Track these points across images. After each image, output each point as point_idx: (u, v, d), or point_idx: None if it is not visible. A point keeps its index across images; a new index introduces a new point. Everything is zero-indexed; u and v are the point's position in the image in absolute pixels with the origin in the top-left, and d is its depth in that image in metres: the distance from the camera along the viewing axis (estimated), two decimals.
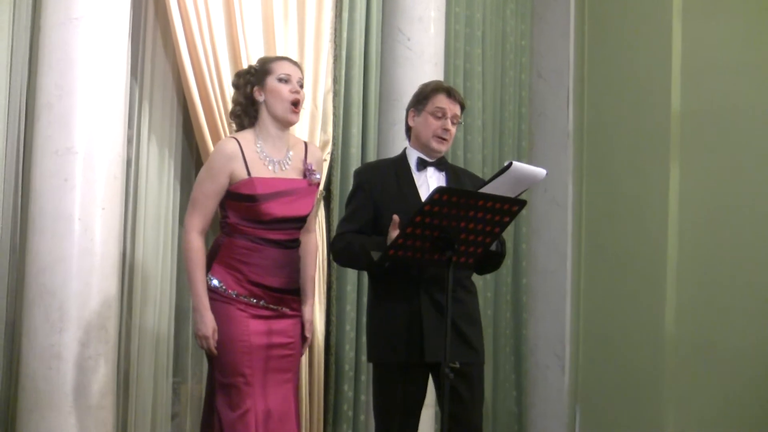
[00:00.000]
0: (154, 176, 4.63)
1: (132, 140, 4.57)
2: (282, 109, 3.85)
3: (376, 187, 3.96)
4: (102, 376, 4.14)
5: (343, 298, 5.20)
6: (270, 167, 3.83)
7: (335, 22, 5.21)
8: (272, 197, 3.79)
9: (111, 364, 4.21)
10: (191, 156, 4.81)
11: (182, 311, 4.75)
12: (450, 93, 4.04)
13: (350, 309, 5.21)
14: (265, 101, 3.86)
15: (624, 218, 6.13)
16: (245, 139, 3.82)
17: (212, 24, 4.60)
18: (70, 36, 4.12)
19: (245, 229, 3.79)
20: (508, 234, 6.19)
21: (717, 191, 6.10)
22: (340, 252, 3.99)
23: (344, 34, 5.26)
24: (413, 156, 4.04)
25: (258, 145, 3.83)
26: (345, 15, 5.26)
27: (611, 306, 6.18)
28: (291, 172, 3.88)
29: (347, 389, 5.19)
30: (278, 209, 3.80)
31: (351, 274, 5.19)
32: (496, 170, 6.04)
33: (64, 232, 4.07)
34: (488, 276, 6.05)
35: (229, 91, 4.62)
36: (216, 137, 4.58)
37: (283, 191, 3.82)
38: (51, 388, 4.04)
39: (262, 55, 4.76)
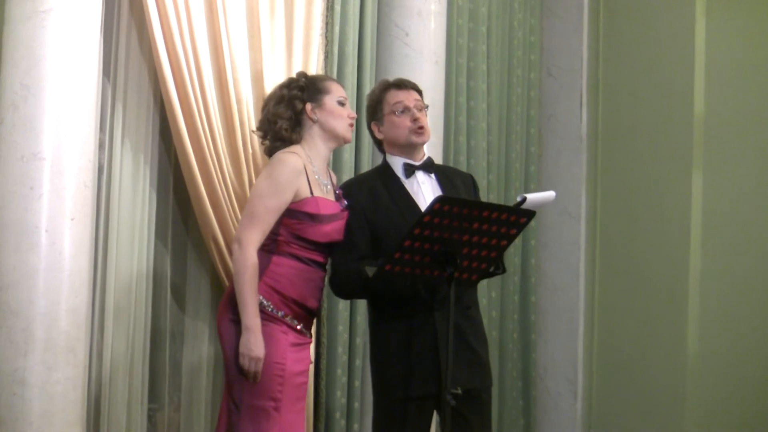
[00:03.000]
0: (128, 184, 4.62)
1: (104, 145, 4.57)
2: (342, 126, 4.04)
3: (367, 205, 3.97)
4: (70, 402, 4.12)
5: (335, 318, 5.20)
6: (323, 188, 3.98)
7: (326, 16, 5.21)
8: (329, 219, 3.93)
9: (80, 389, 4.20)
10: (169, 162, 4.81)
11: (158, 332, 4.74)
12: (399, 84, 4.08)
13: (342, 330, 5.21)
14: (320, 120, 4.00)
15: (642, 231, 6.15)
16: (303, 156, 3.96)
17: (192, 18, 4.60)
18: (37, 30, 4.11)
19: (295, 249, 3.91)
20: (515, 248, 6.23)
21: (743, 201, 6.13)
22: (342, 284, 4.00)
23: (336, 29, 5.27)
24: (397, 163, 4.05)
25: (313, 165, 3.97)
26: (337, 8, 5.26)
27: (628, 326, 6.19)
28: (331, 195, 4.03)
29: (339, 417, 5.19)
30: (333, 232, 3.95)
31: None
32: (502, 179, 6.14)
33: (29, 245, 4.06)
34: (494, 293, 6.06)
35: (211, 92, 4.64)
36: (196, 142, 4.59)
37: (335, 214, 3.96)
38: (15, 417, 4.02)
39: (246, 51, 4.78)
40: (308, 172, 3.91)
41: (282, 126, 4.00)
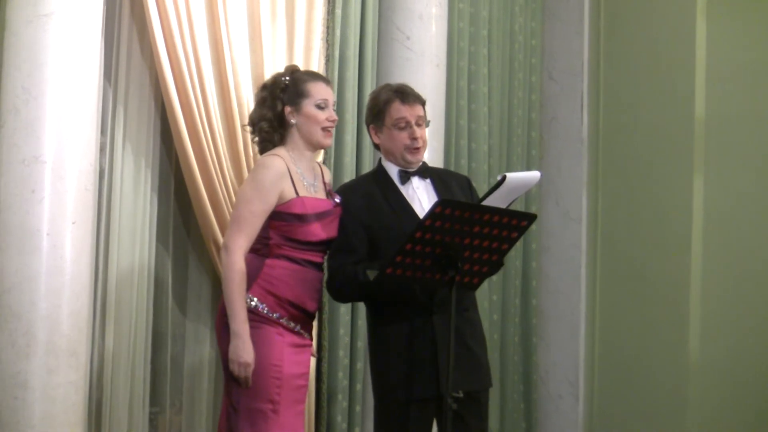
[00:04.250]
0: (129, 188, 4.64)
1: (105, 148, 4.58)
2: (318, 135, 4.01)
3: (363, 209, 3.97)
4: (72, 405, 4.13)
5: (336, 321, 5.21)
6: (309, 188, 3.97)
7: (327, 19, 5.22)
8: (318, 218, 3.93)
9: (82, 392, 4.22)
10: (170, 166, 4.82)
11: (159, 335, 4.75)
12: (404, 97, 4.04)
13: (344, 333, 5.21)
14: (297, 124, 4.00)
15: (643, 233, 6.14)
16: (286, 158, 3.95)
17: (193, 21, 4.61)
18: (39, 34, 4.13)
19: (288, 251, 3.91)
20: (516, 251, 6.22)
21: (744, 204, 6.12)
22: (341, 288, 3.99)
23: (337, 32, 5.27)
24: (392, 169, 4.06)
25: (297, 166, 3.96)
26: (338, 11, 5.27)
27: (630, 329, 6.18)
28: (321, 193, 4.03)
29: (341, 420, 5.19)
30: (323, 230, 3.94)
31: None
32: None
33: (31, 248, 4.07)
34: (495, 297, 6.06)
35: (212, 95, 4.65)
36: (197, 146, 4.60)
37: (324, 212, 3.96)
38: (16, 420, 4.03)
39: (247, 54, 4.79)
40: (292, 174, 3.91)
41: (263, 127, 4.01)
